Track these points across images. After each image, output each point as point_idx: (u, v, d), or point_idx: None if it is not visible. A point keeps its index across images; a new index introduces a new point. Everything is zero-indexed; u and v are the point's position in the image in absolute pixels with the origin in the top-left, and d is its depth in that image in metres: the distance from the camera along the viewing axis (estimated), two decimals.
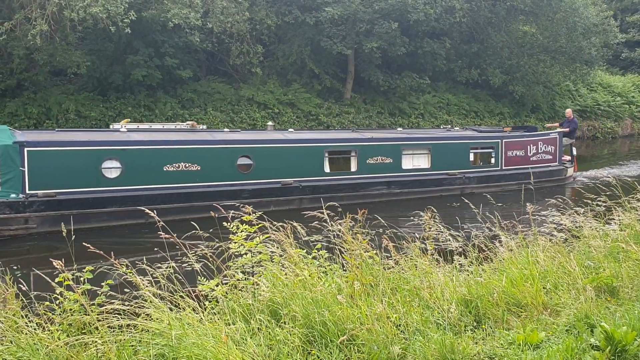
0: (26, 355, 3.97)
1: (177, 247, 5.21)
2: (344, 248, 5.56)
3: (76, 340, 4.02)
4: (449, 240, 6.06)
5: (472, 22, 29.96)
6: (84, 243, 4.83)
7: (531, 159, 16.86)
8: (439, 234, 6.11)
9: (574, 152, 18.40)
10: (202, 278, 5.18)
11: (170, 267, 4.94)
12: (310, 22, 25.30)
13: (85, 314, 4.34)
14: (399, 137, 15.21)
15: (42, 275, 4.58)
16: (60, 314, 4.50)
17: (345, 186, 13.90)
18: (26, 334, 4.10)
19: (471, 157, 15.83)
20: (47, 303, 4.58)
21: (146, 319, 4.35)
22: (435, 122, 29.18)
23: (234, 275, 5.24)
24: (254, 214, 5.87)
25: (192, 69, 24.28)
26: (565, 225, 6.93)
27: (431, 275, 5.58)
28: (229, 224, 5.68)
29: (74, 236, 5.13)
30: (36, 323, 4.28)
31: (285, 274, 5.18)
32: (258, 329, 4.55)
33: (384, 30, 25.28)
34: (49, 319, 4.44)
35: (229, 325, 4.55)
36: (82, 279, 4.60)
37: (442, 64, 28.98)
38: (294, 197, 13.21)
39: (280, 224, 5.73)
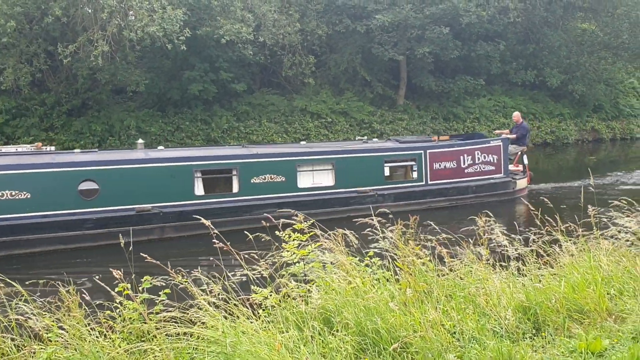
0: None
1: (230, 256, 5.30)
2: (396, 255, 5.51)
3: (135, 347, 4.15)
4: (505, 245, 5.90)
5: (527, 22, 29.24)
6: (141, 254, 4.99)
7: (466, 171, 14.66)
8: (494, 239, 5.96)
9: (525, 161, 16.10)
10: (256, 287, 5.24)
11: (224, 276, 5.03)
12: (361, 30, 25.34)
13: (144, 323, 4.47)
14: (293, 151, 13.44)
15: (102, 284, 4.75)
16: (120, 322, 4.65)
17: (223, 210, 11.94)
18: (89, 342, 4.27)
19: (386, 172, 13.81)
20: (108, 312, 4.75)
21: (202, 327, 4.43)
22: (491, 126, 28.59)
23: (286, 284, 5.27)
24: (306, 222, 5.90)
25: (246, 82, 24.76)
26: (630, 228, 6.62)
27: (487, 282, 5.44)
28: (280, 232, 5.73)
29: (131, 247, 5.29)
30: (98, 331, 4.44)
31: (338, 282, 5.17)
32: (311, 337, 4.56)
33: (436, 35, 25.03)
34: (110, 327, 4.60)
35: (283, 333, 4.58)
36: (140, 288, 4.74)
37: (496, 66, 28.39)
38: (153, 226, 11.35)
39: (332, 232, 5.75)
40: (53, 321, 4.38)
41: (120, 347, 4.27)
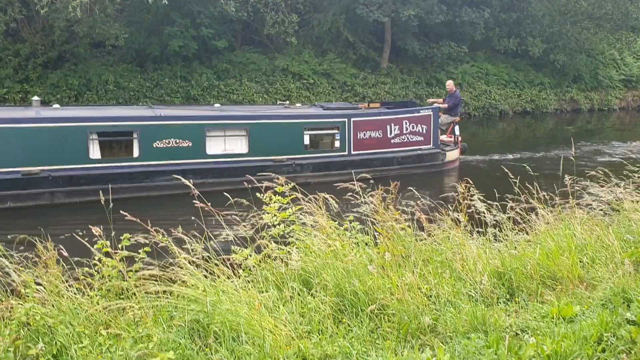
0: (67, 319, 4.13)
1: (211, 216, 5.29)
2: (376, 220, 5.56)
3: (114, 305, 4.16)
4: (483, 212, 5.98)
5: None
6: (121, 211, 4.95)
7: (392, 141, 14.07)
8: (472, 205, 6.04)
9: (457, 132, 15.60)
10: (236, 247, 5.26)
11: (205, 237, 5.03)
12: None
13: (123, 280, 4.48)
14: (202, 115, 12.67)
15: (82, 241, 4.72)
16: (99, 280, 4.65)
17: (120, 176, 11.26)
18: (67, 298, 4.26)
19: (306, 140, 13.15)
20: (87, 269, 4.74)
21: (182, 286, 4.45)
22: (473, 93, 28.62)
23: (267, 245, 5.30)
24: (287, 185, 5.91)
25: (227, 39, 24.30)
26: (604, 198, 6.75)
27: (464, 247, 5.54)
28: (262, 195, 5.73)
29: (112, 204, 5.25)
30: (76, 288, 4.43)
31: (318, 245, 5.22)
32: (290, 297, 4.62)
33: None
34: (89, 284, 4.59)
35: (262, 293, 4.63)
36: (119, 246, 4.72)
37: (480, 33, 28.26)
38: (41, 191, 10.74)
39: (314, 195, 5.76)
40: (31, 277, 4.35)
41: (98, 304, 4.27)
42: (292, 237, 5.49)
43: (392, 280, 4.71)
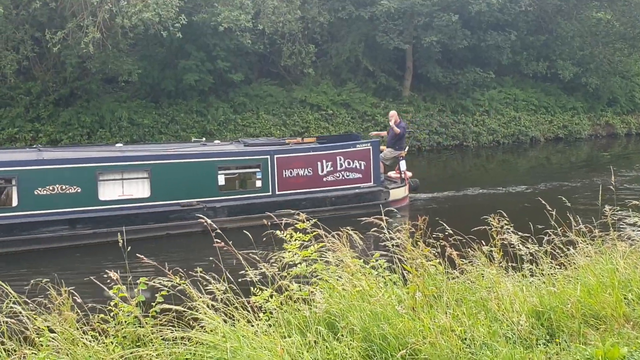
0: None
1: (229, 255, 5.30)
2: (404, 257, 5.51)
3: (131, 353, 4.15)
4: (517, 245, 5.90)
5: (539, 10, 29.19)
6: (137, 254, 4.99)
7: (325, 179, 13.60)
8: (507, 240, 5.96)
9: (403, 167, 14.89)
10: (256, 289, 5.24)
11: (224, 279, 5.03)
12: (365, 16, 25.29)
13: (140, 326, 4.47)
14: (94, 157, 12.12)
15: (98, 283, 4.75)
16: (114, 326, 4.65)
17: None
18: (81, 346, 4.27)
19: (220, 181, 12.65)
20: (102, 315, 4.75)
21: (200, 331, 4.43)
22: (502, 120, 28.57)
23: (288, 286, 5.27)
24: (308, 221, 5.90)
25: (243, 72, 24.72)
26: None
27: (499, 285, 5.44)
28: (281, 232, 5.73)
29: (129, 247, 5.30)
30: (91, 335, 4.44)
31: (342, 285, 5.17)
32: (315, 342, 4.56)
33: (444, 24, 24.98)
34: (104, 331, 4.60)
35: (285, 338, 4.58)
36: (135, 290, 4.74)
37: (507, 57, 28.35)
38: None
39: (336, 232, 5.75)
40: (45, 324, 4.38)
41: (114, 352, 4.27)
42: (315, 276, 5.45)
43: (424, 322, 4.63)
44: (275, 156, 13.16)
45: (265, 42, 24.23)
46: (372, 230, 6.00)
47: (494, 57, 28.40)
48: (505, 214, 6.37)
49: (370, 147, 14.06)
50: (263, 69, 27.30)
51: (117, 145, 14.39)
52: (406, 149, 15.28)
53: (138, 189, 12.05)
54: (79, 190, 11.38)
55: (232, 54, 24.06)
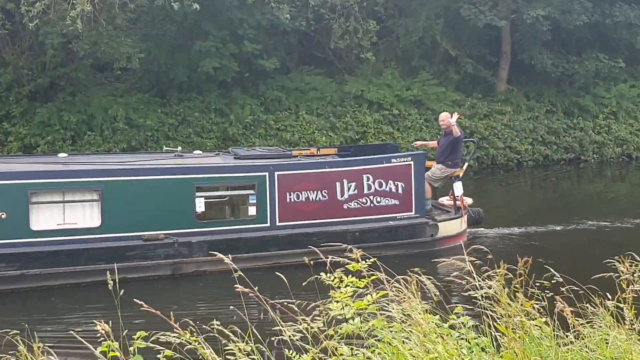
0: None
1: (254, 305, 5.31)
2: (496, 313, 5.42)
3: None
4: None
5: None
6: (134, 299, 5.04)
7: (346, 206, 13.28)
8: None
9: (459, 191, 14.42)
10: (292, 352, 5.23)
11: (249, 336, 5.04)
12: None
13: None
14: (25, 170, 12.00)
15: (82, 340, 4.83)
16: None
17: None
18: None
19: (199, 206, 12.38)
20: None
21: None
22: (635, 125, 27.99)
23: (336, 349, 5.25)
24: (364, 262, 5.88)
25: (279, 58, 24.96)
26: None
27: (631, 356, 5.30)
28: (327, 274, 5.71)
29: (122, 291, 5.37)
30: None
31: (410, 349, 5.13)
32: None
33: None
34: None
35: None
36: (131, 349, 4.78)
37: None
38: None
39: (403, 276, 5.70)
40: None
41: None
42: (374, 336, 5.42)
43: None
44: (277, 173, 12.88)
45: (309, 17, 24.46)
46: (452, 274, 5.94)
47: (625, 40, 27.91)
48: (639, 258, 6.21)
49: (412, 163, 13.76)
50: (305, 54, 27.53)
51: (60, 155, 14.01)
52: (464, 167, 14.93)
53: (85, 215, 11.82)
54: (3, 216, 11.21)
55: (264, 34, 24.35)
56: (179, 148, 14.90)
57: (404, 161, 13.77)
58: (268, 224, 12.87)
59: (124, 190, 12.02)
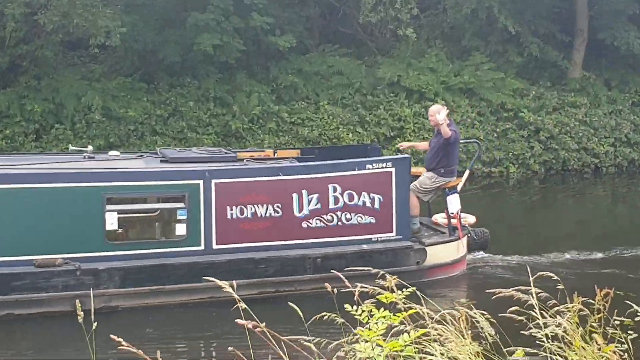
0: None
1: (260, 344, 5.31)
2: (567, 358, 5.39)
3: None
4: None
5: None
6: (111, 335, 5.04)
7: (305, 224, 12.90)
8: None
9: (454, 207, 13.97)
10: None
11: None
12: None
13: None
14: None
15: None
16: None
17: None
18: None
19: (110, 223, 11.99)
20: None
21: None
22: None
23: None
24: (400, 292, 5.86)
25: (295, 34, 24.95)
26: None
27: None
28: (353, 307, 5.69)
29: (95, 323, 5.39)
30: None
31: None
32: None
33: None
34: None
35: None
36: None
37: None
38: None
39: (448, 310, 5.67)
40: None
41: None
42: None
43: None
44: (214, 181, 12.42)
45: None
46: (508, 310, 5.92)
47: None
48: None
49: (393, 170, 13.28)
50: (328, 30, 27.56)
51: None
52: (465, 175, 14.69)
53: None
54: None
55: (276, 4, 24.38)
56: (90, 148, 14.09)
57: (382, 167, 13.30)
58: (202, 247, 12.46)
59: (10, 202, 11.61)
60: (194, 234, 12.37)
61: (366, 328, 5.74)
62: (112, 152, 14.81)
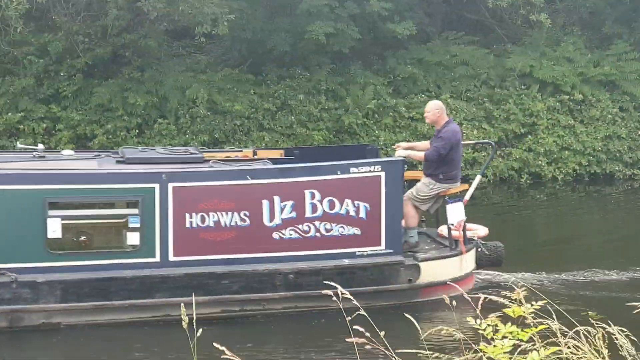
0: None
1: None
2: None
3: None
4: None
5: None
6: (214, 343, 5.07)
7: (276, 235, 12.44)
8: None
9: (456, 217, 13.34)
10: None
11: None
12: None
13: None
14: None
15: None
16: None
17: None
18: None
19: (52, 230, 11.72)
20: None
21: None
22: None
23: None
24: (534, 303, 5.77)
25: (415, 21, 24.86)
26: None
27: None
28: (476, 319, 5.63)
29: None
30: None
31: None
32: None
33: None
34: None
35: None
36: None
37: None
38: None
39: (586, 328, 5.56)
40: None
41: None
42: None
43: None
44: (171, 185, 12.11)
45: None
46: None
47: None
48: None
49: (383, 174, 12.74)
50: (452, 16, 27.44)
51: None
52: (476, 180, 14.20)
53: None
54: None
55: None
56: (41, 146, 13.74)
57: (369, 171, 12.73)
58: (157, 259, 12.11)
59: None
60: (148, 244, 12.04)
61: (492, 345, 5.66)
62: (66, 151, 14.28)
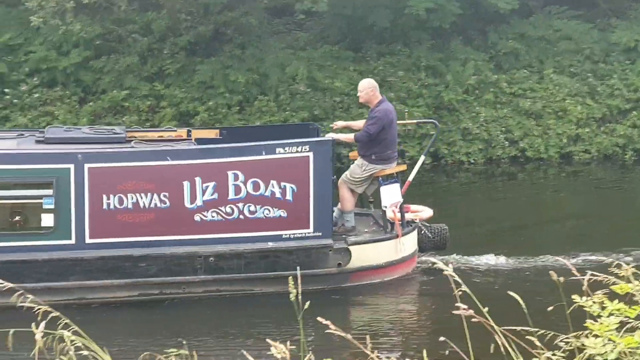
0: None
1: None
2: None
3: None
4: None
5: None
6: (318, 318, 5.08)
7: (198, 217, 12.15)
8: None
9: (390, 199, 12.93)
10: None
11: None
12: None
13: None
14: None
15: None
16: None
17: None
18: None
19: None
20: None
21: None
22: None
23: None
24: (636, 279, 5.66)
25: None
26: None
27: None
28: (582, 297, 5.54)
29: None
30: None
31: None
32: None
33: None
34: None
35: None
36: None
37: None
38: None
39: None
40: None
41: None
42: None
43: None
44: (87, 166, 11.86)
45: None
46: None
47: None
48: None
49: (311, 154, 12.50)
50: None
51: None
52: (420, 161, 13.99)
53: None
54: None
55: None
56: None
57: (297, 152, 12.49)
58: (72, 241, 11.93)
59: None
60: (63, 225, 11.85)
61: (597, 322, 5.57)
62: None
